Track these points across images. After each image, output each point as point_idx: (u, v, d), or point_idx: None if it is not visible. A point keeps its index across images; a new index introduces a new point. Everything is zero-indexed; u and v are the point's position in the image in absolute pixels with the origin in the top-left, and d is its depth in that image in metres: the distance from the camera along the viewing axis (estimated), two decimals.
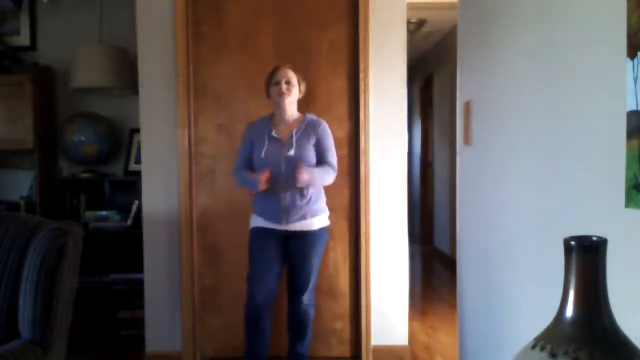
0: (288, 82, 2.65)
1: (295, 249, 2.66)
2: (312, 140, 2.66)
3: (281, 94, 2.64)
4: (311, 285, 2.70)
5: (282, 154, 2.60)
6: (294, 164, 2.54)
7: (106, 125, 3.62)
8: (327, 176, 2.69)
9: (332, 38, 3.15)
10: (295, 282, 2.69)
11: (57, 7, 3.74)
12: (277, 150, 2.61)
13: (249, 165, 2.70)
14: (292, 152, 2.60)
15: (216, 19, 3.15)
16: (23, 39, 3.74)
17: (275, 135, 2.64)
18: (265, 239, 2.64)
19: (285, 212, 2.59)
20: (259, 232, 2.66)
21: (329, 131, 2.74)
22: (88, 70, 3.42)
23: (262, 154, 2.61)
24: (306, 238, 2.65)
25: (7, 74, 3.51)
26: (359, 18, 3.09)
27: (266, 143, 2.62)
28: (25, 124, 3.44)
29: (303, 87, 2.74)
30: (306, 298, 2.70)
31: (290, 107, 2.69)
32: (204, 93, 3.16)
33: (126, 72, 3.46)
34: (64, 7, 3.74)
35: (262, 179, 2.51)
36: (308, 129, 2.67)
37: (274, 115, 2.72)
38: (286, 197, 2.58)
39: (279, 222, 2.60)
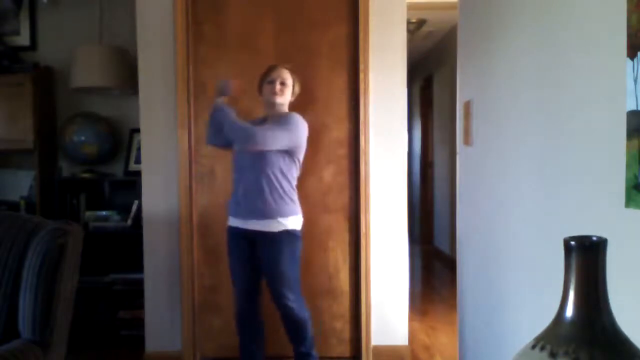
0: (283, 83, 2.63)
1: (260, 253, 2.60)
2: None
3: (274, 94, 2.62)
4: (285, 285, 2.57)
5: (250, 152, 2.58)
6: (265, 163, 2.52)
7: (106, 125, 3.62)
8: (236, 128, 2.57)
9: (332, 38, 3.15)
10: (271, 287, 2.62)
11: (57, 7, 3.74)
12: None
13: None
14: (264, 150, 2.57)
15: (216, 19, 3.15)
16: (23, 39, 3.74)
17: None
18: (231, 238, 2.66)
19: (251, 210, 2.57)
20: (228, 231, 2.69)
21: (290, 120, 2.60)
22: (88, 70, 3.42)
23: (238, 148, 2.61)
24: (271, 240, 2.56)
25: (7, 74, 3.51)
26: (359, 18, 3.09)
27: None
28: (25, 124, 3.44)
29: (297, 88, 2.71)
30: (289, 299, 2.58)
31: (281, 107, 2.67)
32: (204, 93, 3.16)
33: (126, 72, 3.46)
34: (64, 7, 3.74)
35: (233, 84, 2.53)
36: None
37: (266, 115, 2.70)
38: (253, 195, 2.55)
39: (241, 217, 2.60)
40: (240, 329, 2.71)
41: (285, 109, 2.70)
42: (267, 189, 2.54)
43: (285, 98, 2.65)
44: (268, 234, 2.55)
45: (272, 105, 2.65)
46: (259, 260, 2.63)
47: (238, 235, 2.63)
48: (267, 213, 2.55)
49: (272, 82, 2.63)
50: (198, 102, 3.15)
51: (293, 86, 2.68)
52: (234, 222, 2.65)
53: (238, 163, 2.65)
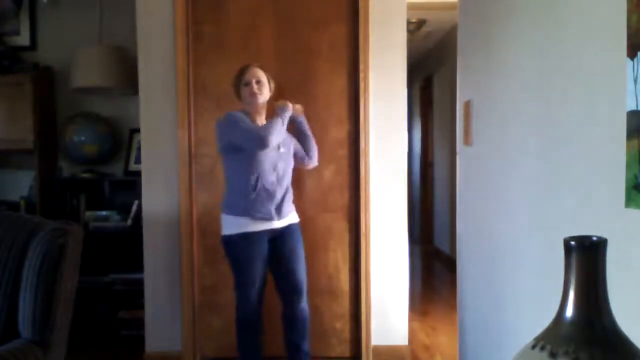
0: (258, 82, 2.62)
1: (283, 247, 2.65)
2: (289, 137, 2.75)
3: (253, 95, 2.60)
4: (304, 272, 2.70)
5: (276, 152, 2.62)
6: (286, 162, 2.65)
7: (106, 125, 3.62)
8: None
9: (332, 38, 3.15)
10: (294, 281, 2.66)
11: (57, 7, 3.74)
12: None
13: None
14: (283, 150, 2.66)
15: (216, 19, 3.15)
16: (23, 39, 3.74)
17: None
18: (252, 243, 2.58)
19: (279, 208, 2.61)
20: (244, 237, 2.57)
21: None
22: (88, 71, 3.42)
23: None
24: (291, 232, 2.67)
25: (7, 74, 3.51)
26: (359, 18, 3.09)
27: None
28: (25, 124, 3.45)
29: (273, 85, 2.70)
30: (305, 287, 2.69)
31: (263, 107, 2.67)
32: (204, 93, 3.16)
33: (126, 72, 3.46)
34: (64, 7, 3.74)
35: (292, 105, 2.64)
36: None
37: (249, 114, 2.67)
38: (279, 194, 2.61)
39: (270, 218, 2.59)
40: (246, 331, 2.66)
41: (265, 107, 2.69)
42: (290, 185, 2.70)
43: (264, 97, 2.65)
44: (291, 226, 2.68)
45: (254, 105, 2.63)
46: (274, 257, 2.66)
47: (261, 238, 2.59)
48: (292, 207, 2.72)
49: (249, 84, 2.61)
50: (198, 102, 3.16)
51: (268, 83, 2.67)
52: (254, 226, 2.57)
53: (260, 165, 2.55)
